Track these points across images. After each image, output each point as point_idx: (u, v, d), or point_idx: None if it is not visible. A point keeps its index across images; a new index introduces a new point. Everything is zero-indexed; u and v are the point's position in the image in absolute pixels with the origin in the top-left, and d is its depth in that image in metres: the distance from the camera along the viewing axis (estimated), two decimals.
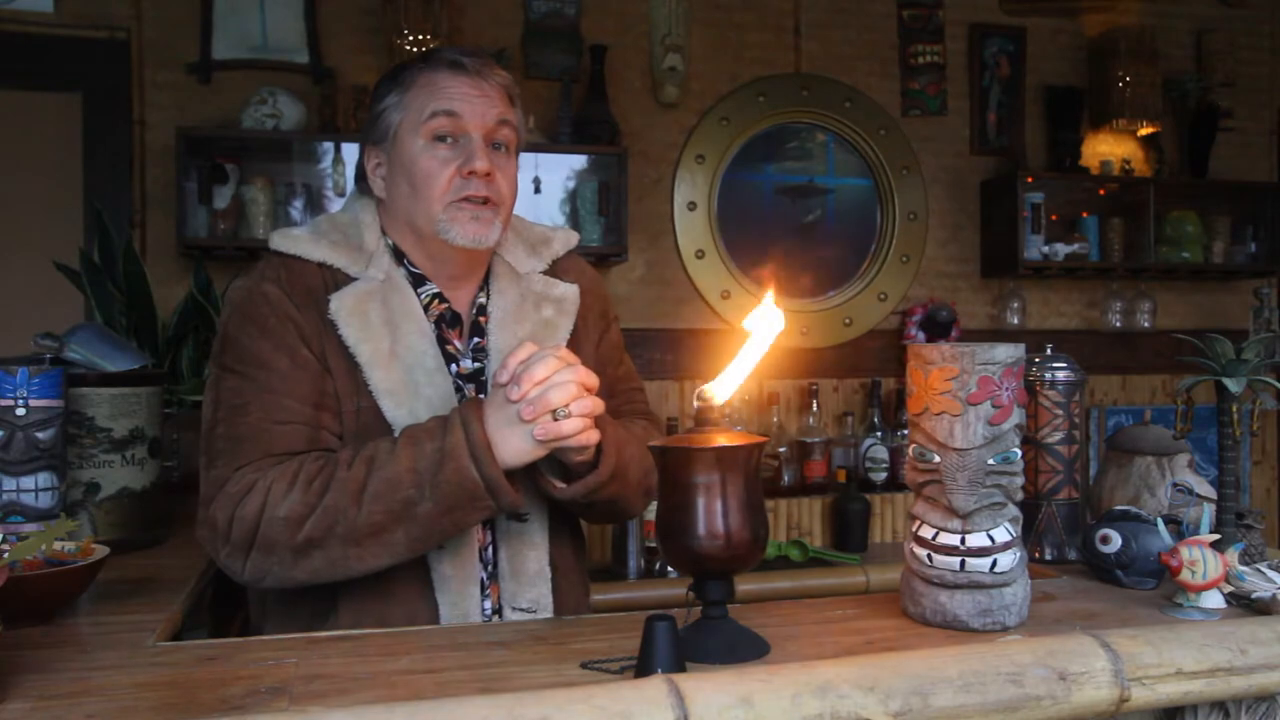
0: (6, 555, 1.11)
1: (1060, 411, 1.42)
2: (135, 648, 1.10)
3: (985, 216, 3.50)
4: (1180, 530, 1.30)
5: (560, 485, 1.32)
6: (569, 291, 1.49)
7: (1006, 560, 1.10)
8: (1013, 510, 1.12)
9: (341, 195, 2.89)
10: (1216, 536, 1.22)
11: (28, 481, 1.39)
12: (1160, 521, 1.27)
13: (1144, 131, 3.56)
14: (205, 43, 2.87)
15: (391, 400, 1.32)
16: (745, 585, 2.53)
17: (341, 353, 1.33)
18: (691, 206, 3.26)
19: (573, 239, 1.58)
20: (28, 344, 1.69)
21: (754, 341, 1.07)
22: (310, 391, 1.31)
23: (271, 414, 1.29)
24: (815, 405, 3.27)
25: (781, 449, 3.21)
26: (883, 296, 3.43)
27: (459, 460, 1.21)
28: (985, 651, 0.89)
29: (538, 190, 3.10)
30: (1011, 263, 3.35)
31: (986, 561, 1.09)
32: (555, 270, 1.52)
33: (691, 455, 1.00)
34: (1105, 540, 1.29)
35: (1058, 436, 1.42)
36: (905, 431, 3.15)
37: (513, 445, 1.23)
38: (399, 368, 1.33)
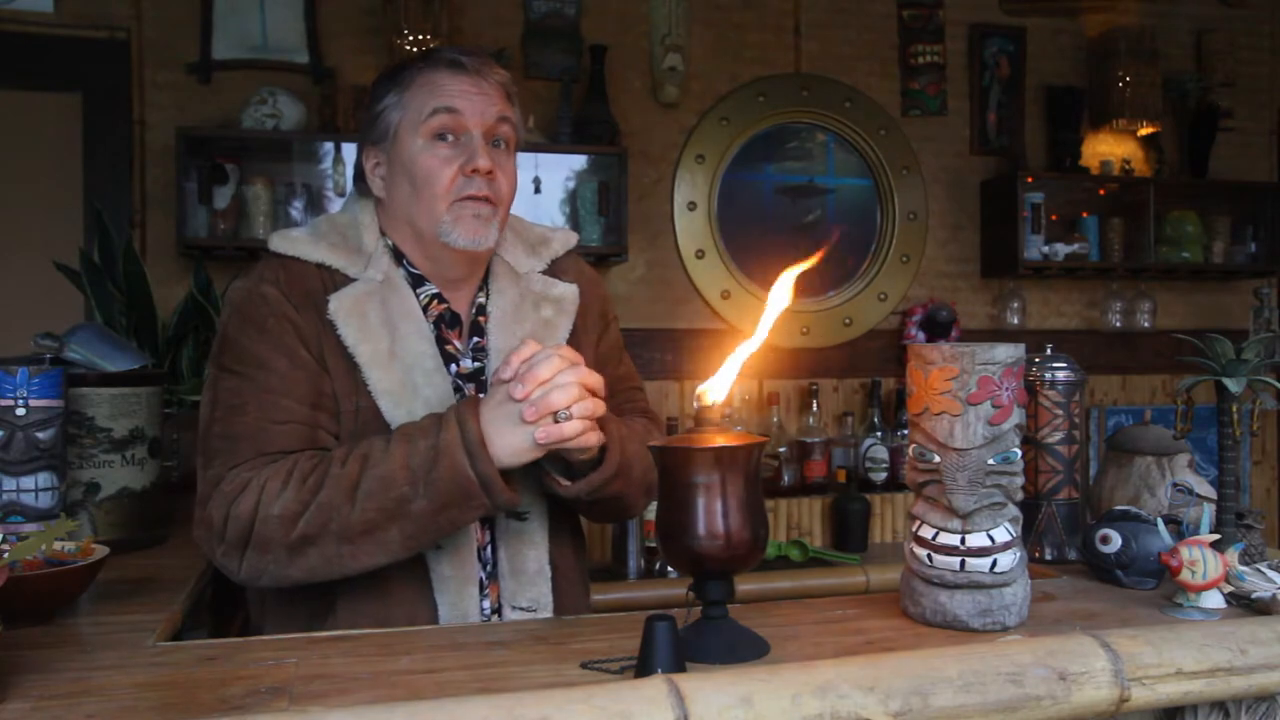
0: (6, 555, 1.11)
1: (1060, 411, 1.42)
2: (135, 648, 1.10)
3: (985, 216, 3.50)
4: (1180, 530, 1.30)
5: (565, 483, 1.32)
6: (568, 291, 1.49)
7: (1006, 560, 1.10)
8: (1013, 510, 1.12)
9: (341, 195, 2.89)
10: (1216, 536, 1.22)
11: (28, 481, 1.39)
12: (1160, 521, 1.27)
13: (1144, 131, 3.56)
14: (205, 43, 2.87)
15: (390, 400, 1.32)
16: (745, 585, 2.53)
17: (340, 353, 1.33)
18: (691, 206, 3.26)
19: (571, 239, 1.58)
20: (28, 344, 1.69)
21: (752, 339, 1.07)
22: (308, 392, 1.31)
23: (268, 414, 1.29)
24: (815, 405, 3.28)
25: (781, 449, 3.21)
26: (883, 296, 3.43)
27: (453, 457, 1.21)
28: (985, 651, 0.89)
29: (538, 190, 3.10)
30: (1011, 263, 3.35)
31: (986, 561, 1.09)
32: (554, 270, 1.52)
33: (691, 455, 1.00)
34: (1105, 540, 1.29)
35: (1058, 436, 1.42)
36: (905, 431, 3.15)
37: (510, 444, 1.23)
38: (398, 368, 1.33)
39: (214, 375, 1.34)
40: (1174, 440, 1.45)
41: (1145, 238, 3.45)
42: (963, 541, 1.09)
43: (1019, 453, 1.11)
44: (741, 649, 1.01)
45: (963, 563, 1.09)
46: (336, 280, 1.37)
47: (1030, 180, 3.36)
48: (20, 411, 1.39)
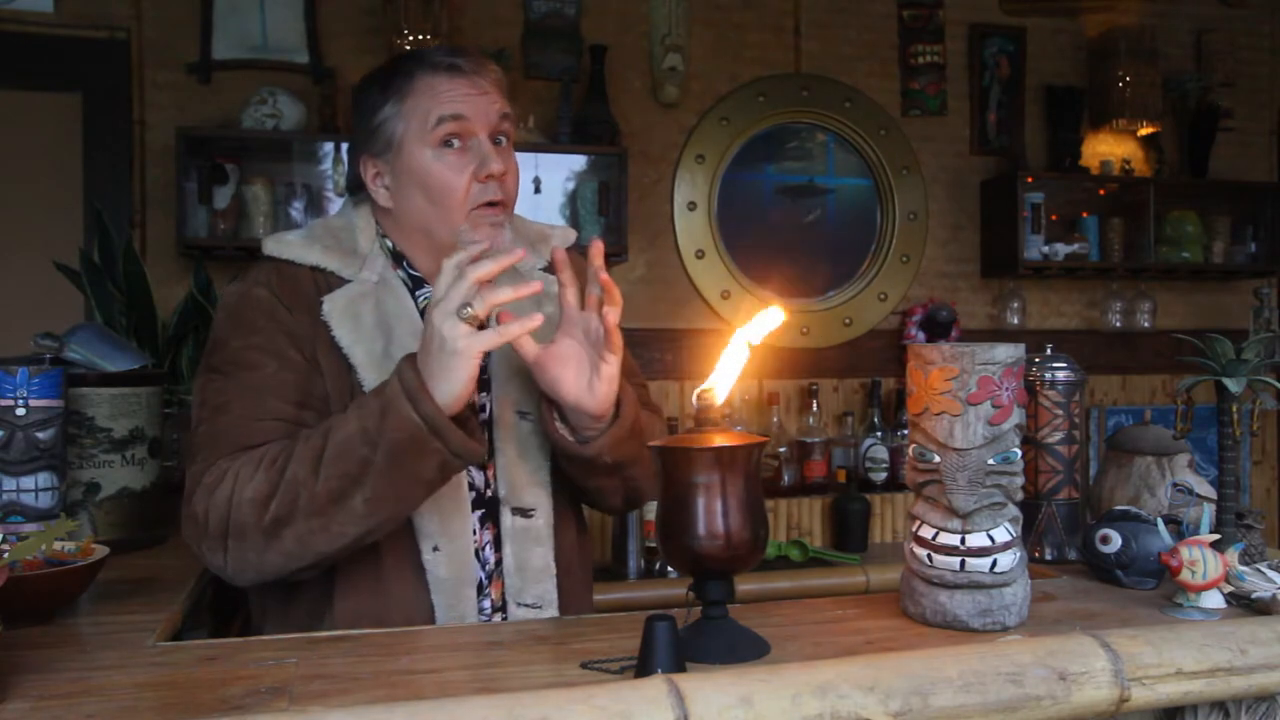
0: (6, 555, 1.11)
1: (1060, 411, 1.42)
2: (135, 648, 1.10)
3: (985, 216, 3.50)
4: (1180, 530, 1.31)
5: (579, 443, 1.32)
6: None
7: (1006, 560, 1.10)
8: (1013, 510, 1.12)
9: (342, 195, 2.89)
10: (1216, 536, 1.22)
11: (28, 481, 1.39)
12: (1160, 521, 1.27)
13: (1144, 131, 3.56)
14: (205, 43, 2.87)
15: None
16: (745, 585, 2.53)
17: (334, 355, 1.33)
18: (691, 206, 3.26)
19: (570, 236, 1.58)
20: (28, 344, 1.69)
21: (744, 339, 1.07)
22: (296, 392, 1.31)
23: (252, 411, 1.29)
24: (815, 405, 3.27)
25: (781, 449, 3.21)
26: (883, 296, 3.43)
27: (397, 406, 1.17)
28: (985, 651, 0.89)
29: (538, 190, 3.10)
30: (1011, 263, 3.35)
31: (986, 561, 1.09)
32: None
33: (691, 455, 1.00)
34: (1105, 540, 1.29)
35: (1058, 436, 1.42)
36: (905, 431, 3.15)
37: (447, 379, 1.17)
38: (392, 369, 1.33)
39: (204, 377, 1.35)
40: (1174, 440, 1.45)
41: (1145, 238, 3.45)
42: (963, 541, 1.09)
43: (1019, 453, 1.11)
44: (741, 649, 1.01)
45: (963, 563, 1.09)
46: (331, 282, 1.38)
47: (1030, 180, 3.36)
48: (20, 411, 1.39)
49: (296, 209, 2.91)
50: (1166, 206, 3.53)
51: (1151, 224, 3.44)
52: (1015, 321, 3.46)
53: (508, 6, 3.11)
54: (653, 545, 2.84)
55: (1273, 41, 3.80)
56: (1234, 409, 1.28)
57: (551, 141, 3.03)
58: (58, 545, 1.27)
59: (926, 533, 1.12)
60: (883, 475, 3.23)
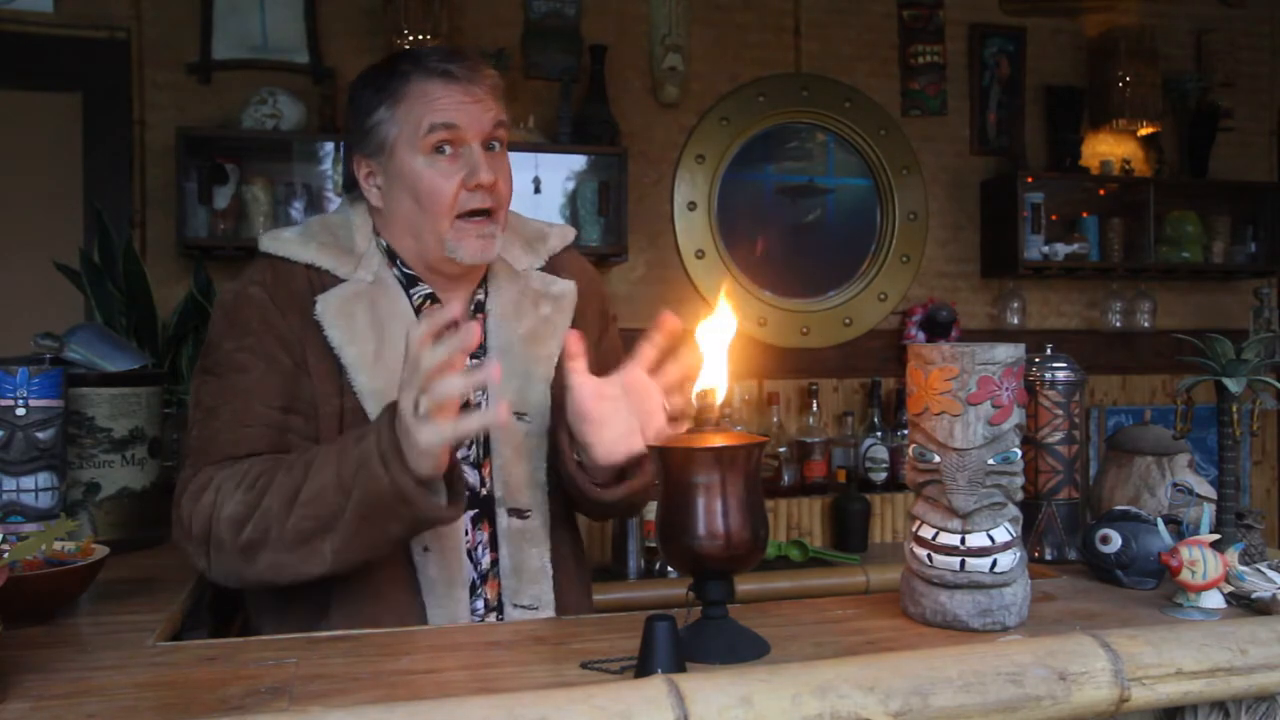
0: (6, 555, 1.11)
1: (1060, 411, 1.42)
2: (135, 648, 1.10)
3: (985, 216, 3.50)
4: (1180, 530, 1.30)
5: (599, 488, 1.34)
6: (567, 288, 1.49)
7: (1006, 560, 1.10)
8: (1013, 510, 1.12)
9: (341, 195, 2.89)
10: (1216, 536, 1.22)
11: (28, 481, 1.39)
12: (1160, 521, 1.27)
13: (1144, 131, 3.56)
14: (205, 43, 2.87)
15: (376, 402, 1.32)
16: (745, 585, 2.53)
17: (325, 354, 1.34)
18: (691, 206, 3.26)
19: (569, 234, 1.57)
20: (28, 344, 1.69)
21: (714, 344, 1.07)
22: (281, 395, 1.32)
23: (239, 417, 1.30)
24: (815, 405, 3.27)
25: (781, 449, 3.21)
26: (883, 296, 3.43)
27: (370, 466, 1.16)
28: (985, 651, 0.89)
29: (538, 190, 3.10)
30: (1011, 263, 3.35)
31: (986, 561, 1.09)
32: (553, 266, 1.52)
33: (691, 455, 1.00)
34: (1105, 540, 1.29)
35: (1058, 436, 1.42)
36: (905, 431, 3.15)
37: (417, 455, 1.14)
38: (384, 370, 1.33)
39: (198, 378, 1.37)
40: (1174, 440, 1.45)
41: (1145, 238, 3.45)
42: (963, 541, 1.09)
43: (1019, 453, 1.11)
44: (741, 649, 1.01)
45: (963, 563, 1.09)
46: (325, 281, 1.38)
47: (1030, 180, 3.36)
48: (20, 411, 1.39)
49: (296, 209, 2.91)
50: (1166, 206, 3.53)
51: (1151, 224, 3.44)
52: (1015, 321, 3.46)
53: (508, 6, 3.11)
54: (653, 545, 2.84)
55: (1273, 41, 3.80)
56: (1234, 409, 1.28)
57: (551, 141, 3.03)
58: (58, 545, 1.28)
59: (926, 533, 1.12)
60: (883, 475, 3.23)
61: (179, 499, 1.28)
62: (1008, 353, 1.09)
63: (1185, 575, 1.17)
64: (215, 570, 1.27)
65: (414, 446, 1.13)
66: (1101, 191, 3.55)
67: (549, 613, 1.39)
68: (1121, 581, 1.28)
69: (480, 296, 1.46)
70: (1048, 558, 1.43)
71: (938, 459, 1.10)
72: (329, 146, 2.94)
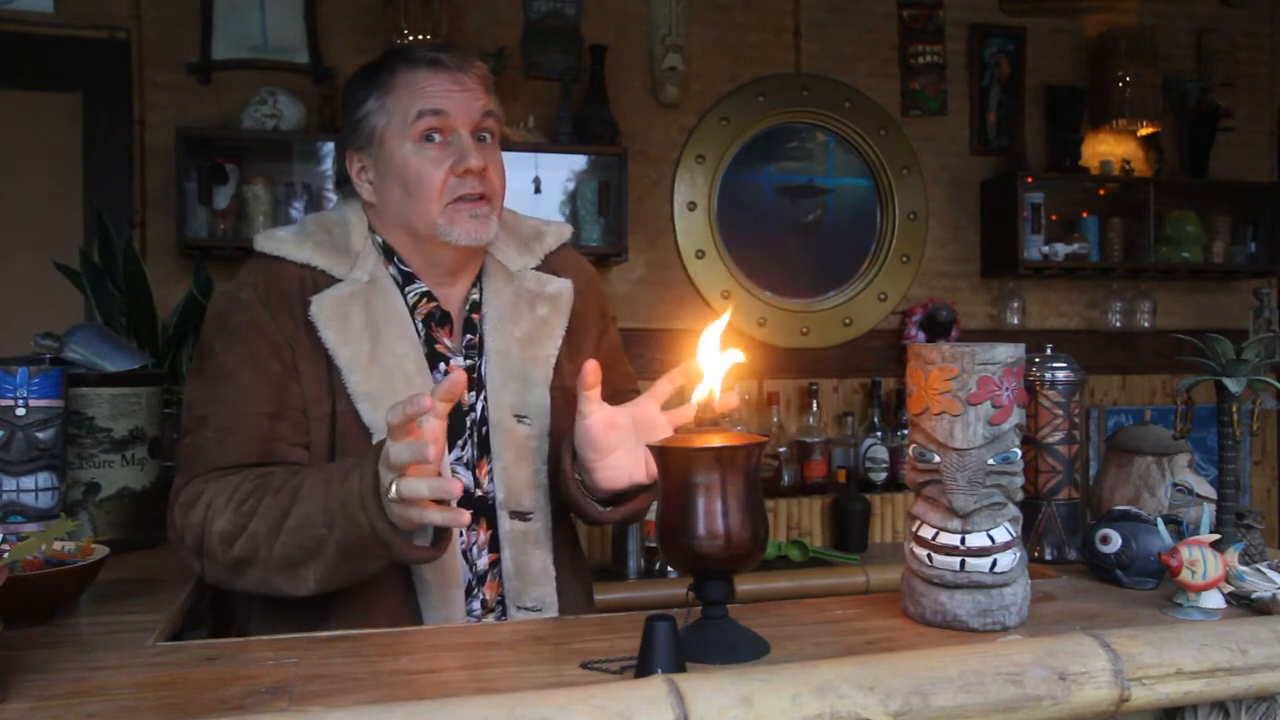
0: (6, 555, 1.11)
1: (1060, 411, 1.42)
2: (135, 648, 1.10)
3: (985, 216, 3.50)
4: (1180, 530, 1.30)
5: (602, 511, 1.35)
6: (563, 288, 1.49)
7: (1006, 560, 1.10)
8: (1013, 510, 1.12)
9: (337, 194, 2.89)
10: (1216, 536, 1.22)
11: (28, 481, 1.39)
12: (1160, 521, 1.27)
13: (1144, 131, 3.56)
14: (205, 43, 2.87)
15: (369, 404, 1.32)
16: (745, 585, 2.53)
17: (317, 355, 1.33)
18: (691, 206, 3.26)
19: (566, 232, 1.57)
20: (28, 344, 1.69)
21: (713, 354, 1.08)
22: (270, 402, 1.32)
23: (228, 426, 1.31)
24: (815, 405, 3.27)
25: (781, 449, 3.20)
26: (883, 296, 3.43)
27: (350, 508, 1.17)
28: (985, 651, 0.89)
29: (538, 190, 3.09)
30: (1011, 263, 3.35)
31: (986, 561, 1.09)
32: (549, 265, 1.52)
33: (691, 455, 1.00)
34: (1105, 540, 1.29)
35: (1058, 436, 1.42)
36: (905, 431, 3.15)
37: (392, 513, 1.15)
38: (378, 371, 1.33)
39: (191, 381, 1.38)
40: (1174, 440, 1.45)
41: (1145, 238, 3.45)
42: (963, 541, 1.09)
43: (1019, 453, 1.11)
44: (741, 649, 1.01)
45: (963, 563, 1.09)
46: (320, 281, 1.37)
47: (1030, 180, 3.36)
48: (20, 411, 1.39)
49: (297, 209, 2.91)
50: (1166, 206, 3.53)
51: (1151, 224, 3.44)
52: (1015, 321, 3.46)
53: (508, 6, 3.11)
54: (653, 545, 2.83)
55: (1273, 41, 3.79)
56: (1234, 409, 1.28)
57: (551, 141, 3.03)
58: (58, 545, 1.28)
59: (926, 533, 1.12)
60: (883, 475, 3.23)
61: (171, 507, 1.30)
62: (1008, 353, 1.09)
63: (1185, 575, 1.17)
64: (209, 576, 1.30)
65: (389, 509, 1.14)
66: (1101, 191, 3.55)
67: (552, 614, 1.39)
68: (1121, 581, 1.28)
69: (475, 296, 1.46)
70: (1048, 558, 1.43)
71: (938, 459, 1.10)
72: (329, 146, 2.93)
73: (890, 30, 3.42)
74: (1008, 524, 1.11)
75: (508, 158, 1.47)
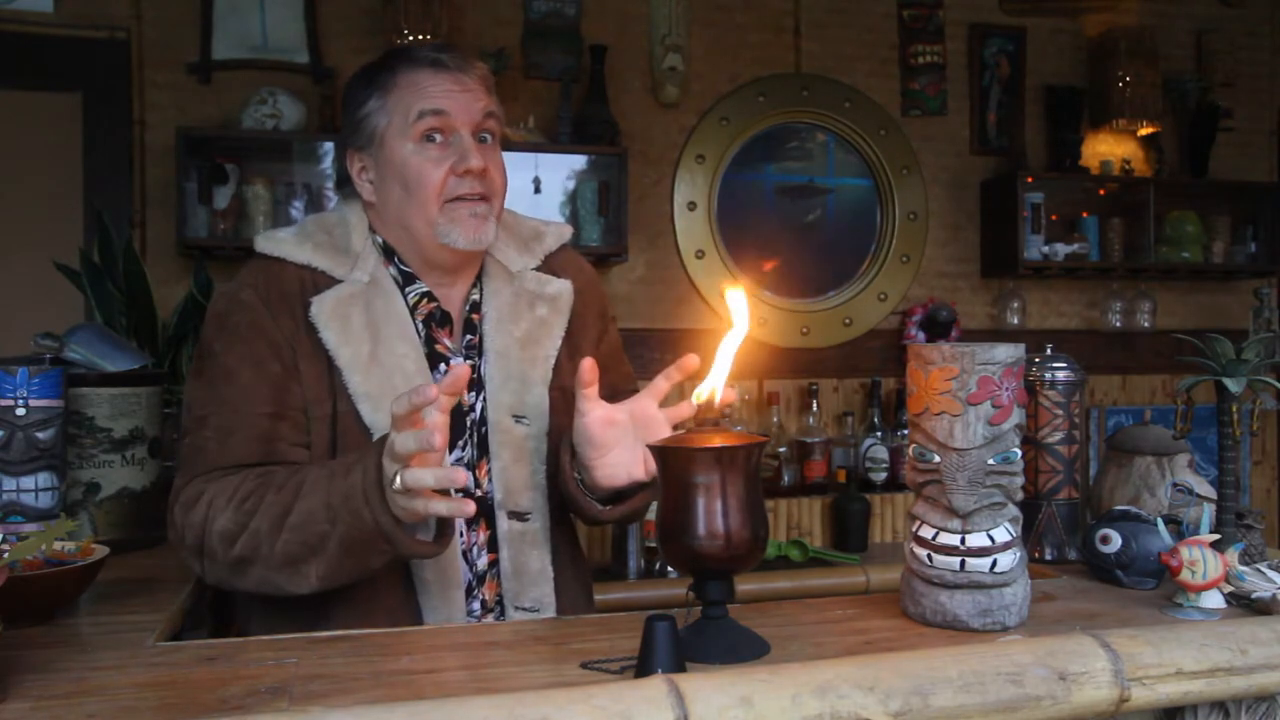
0: (6, 555, 1.11)
1: (1060, 411, 1.42)
2: (135, 648, 1.10)
3: (985, 216, 3.50)
4: (1180, 530, 1.31)
5: (601, 509, 1.35)
6: (563, 289, 1.49)
7: (1006, 560, 1.10)
8: (1013, 510, 1.12)
9: (338, 194, 2.89)
10: (1216, 536, 1.22)
11: (28, 481, 1.39)
12: (1160, 521, 1.27)
13: (1144, 131, 3.56)
14: (205, 43, 2.87)
15: (370, 404, 1.32)
16: (745, 585, 2.53)
17: (317, 356, 1.33)
18: (691, 206, 3.26)
19: (566, 232, 1.57)
20: (28, 344, 1.69)
21: (727, 341, 1.07)
22: (270, 402, 1.32)
23: (228, 426, 1.31)
24: (815, 405, 3.27)
25: (781, 449, 3.20)
26: (883, 296, 3.43)
27: (353, 502, 1.17)
28: (985, 651, 0.89)
29: (538, 190, 3.09)
30: (1011, 263, 3.35)
31: (986, 561, 1.09)
32: (549, 265, 1.52)
33: (691, 455, 1.00)
34: (1105, 540, 1.29)
35: (1058, 436, 1.42)
36: (905, 431, 3.15)
37: (395, 505, 1.15)
38: (379, 372, 1.33)
39: (191, 382, 1.38)
40: (1174, 440, 1.45)
41: (1145, 238, 3.45)
42: (963, 541, 1.09)
43: (1019, 453, 1.11)
44: (741, 649, 1.01)
45: (963, 563, 1.09)
46: (320, 281, 1.37)
47: (1030, 180, 3.36)
48: (20, 411, 1.39)
49: (297, 209, 2.91)
50: (1166, 206, 3.53)
51: (1151, 224, 3.44)
52: (1015, 321, 3.46)
53: (508, 6, 3.11)
54: (653, 545, 2.83)
55: (1273, 41, 3.79)
56: (1234, 409, 1.28)
57: (551, 141, 3.03)
58: (58, 545, 1.28)
59: (926, 533, 1.12)
60: (883, 475, 3.23)
61: (171, 507, 1.30)
62: (1008, 353, 1.09)
63: (1185, 575, 1.17)
64: (209, 577, 1.30)
65: (393, 502, 1.15)
66: (1101, 191, 3.55)
67: (550, 614, 1.39)
68: (1121, 581, 1.28)
69: (475, 296, 1.46)
70: (1048, 558, 1.43)
71: (938, 459, 1.10)
72: (329, 146, 2.94)
73: (890, 30, 3.42)
74: (1008, 524, 1.11)
75: (508, 158, 1.47)
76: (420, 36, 2.81)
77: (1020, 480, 1.12)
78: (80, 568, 1.21)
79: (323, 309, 1.34)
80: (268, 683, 0.96)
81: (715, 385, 1.05)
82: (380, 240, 1.43)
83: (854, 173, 3.47)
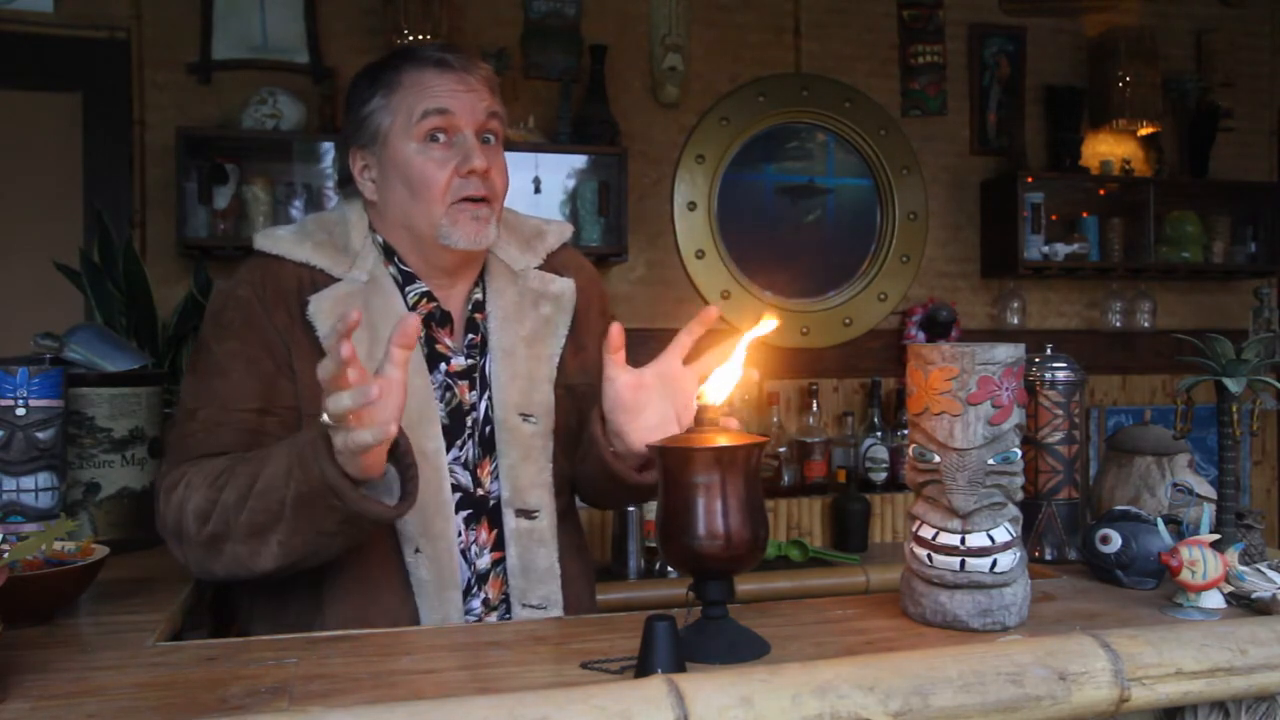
0: (6, 555, 1.11)
1: (1060, 411, 1.41)
2: (135, 648, 1.10)
3: (985, 216, 3.50)
4: (1180, 530, 1.31)
5: (640, 475, 1.34)
6: (566, 287, 1.49)
7: (1006, 560, 1.10)
8: (1013, 510, 1.12)
9: (339, 193, 2.89)
10: (1216, 536, 1.22)
11: (28, 481, 1.39)
12: (1160, 521, 1.27)
13: (1144, 131, 3.56)
14: (205, 43, 2.87)
15: None
16: (745, 585, 2.53)
17: (314, 354, 1.33)
18: (691, 206, 3.26)
19: (566, 231, 1.57)
20: (28, 344, 1.69)
21: (741, 344, 1.07)
22: (258, 398, 1.32)
23: (216, 419, 1.31)
24: (815, 405, 3.27)
25: (781, 449, 3.20)
26: (883, 296, 3.43)
27: (304, 457, 1.15)
28: (985, 651, 0.89)
29: (538, 190, 3.09)
30: (1011, 263, 3.35)
31: (986, 561, 1.09)
32: (551, 264, 1.52)
33: (691, 455, 1.00)
34: (1105, 540, 1.29)
35: (1058, 436, 1.42)
36: (905, 431, 3.15)
37: (336, 449, 1.13)
38: (374, 371, 1.33)
39: (186, 376, 1.39)
40: (1174, 440, 1.45)
41: (1145, 238, 3.45)
42: (963, 541, 1.09)
43: (1019, 453, 1.11)
44: (741, 649, 1.01)
45: (963, 563, 1.09)
46: (318, 280, 1.37)
47: (1030, 180, 3.36)
48: (20, 411, 1.39)
49: (296, 209, 2.91)
50: (1166, 206, 3.53)
51: (1151, 224, 3.44)
52: (1015, 321, 3.46)
53: (508, 6, 3.11)
54: (653, 545, 2.83)
55: (1273, 41, 3.79)
56: (1234, 409, 1.28)
57: (551, 141, 3.03)
58: (58, 545, 1.28)
59: (926, 533, 1.12)
60: (883, 475, 3.23)
61: (156, 495, 1.31)
62: (1008, 353, 1.09)
63: (1185, 575, 1.17)
64: (192, 565, 1.28)
65: (343, 459, 1.12)
66: (1101, 191, 3.55)
67: (557, 612, 1.39)
68: (1121, 581, 1.28)
69: (478, 295, 1.46)
70: (1048, 558, 1.43)
71: (938, 459, 1.10)
72: (329, 146, 2.93)
73: (890, 30, 3.42)
74: (1008, 524, 1.11)
75: (508, 158, 1.47)
76: (420, 36, 2.81)
77: (1020, 480, 1.12)
78: (80, 568, 1.21)
79: (320, 307, 1.34)
80: (268, 683, 0.96)
81: (722, 386, 1.05)
82: (380, 240, 1.43)
83: (854, 173, 3.47)
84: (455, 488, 1.37)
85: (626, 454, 1.33)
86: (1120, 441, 1.55)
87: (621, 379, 1.28)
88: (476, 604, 1.37)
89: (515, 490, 1.39)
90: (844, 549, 3.08)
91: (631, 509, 2.76)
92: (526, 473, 1.39)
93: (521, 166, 2.99)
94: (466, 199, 1.36)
